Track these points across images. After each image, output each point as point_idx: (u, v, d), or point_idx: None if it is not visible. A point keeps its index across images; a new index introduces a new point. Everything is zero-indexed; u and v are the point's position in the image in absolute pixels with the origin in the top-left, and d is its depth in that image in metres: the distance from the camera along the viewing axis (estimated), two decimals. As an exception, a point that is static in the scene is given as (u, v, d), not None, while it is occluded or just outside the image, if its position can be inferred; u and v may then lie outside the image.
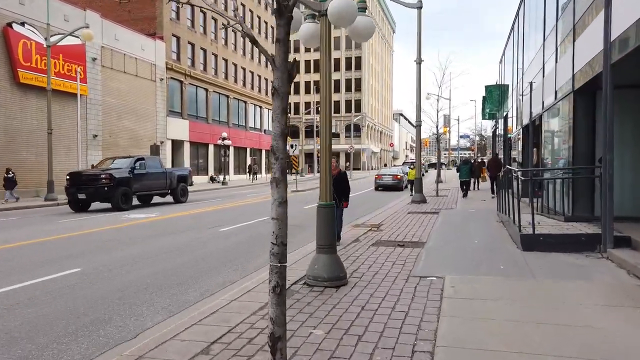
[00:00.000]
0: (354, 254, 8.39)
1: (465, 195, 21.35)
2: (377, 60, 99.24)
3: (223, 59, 46.24)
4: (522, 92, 17.89)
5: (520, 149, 19.25)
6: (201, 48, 42.22)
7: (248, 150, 50.26)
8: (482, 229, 10.88)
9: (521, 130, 18.47)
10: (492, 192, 21.51)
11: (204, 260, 8.78)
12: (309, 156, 76.70)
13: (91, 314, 5.63)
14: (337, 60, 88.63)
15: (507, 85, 26.73)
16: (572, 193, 9.95)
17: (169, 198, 22.07)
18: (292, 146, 29.08)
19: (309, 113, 76.54)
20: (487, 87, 31.02)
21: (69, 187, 17.82)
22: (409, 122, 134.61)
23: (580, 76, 9.46)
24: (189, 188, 23.50)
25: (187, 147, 39.74)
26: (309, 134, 78.11)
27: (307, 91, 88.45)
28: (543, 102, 13.41)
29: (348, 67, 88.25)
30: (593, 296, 5.33)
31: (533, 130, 15.75)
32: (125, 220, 15.16)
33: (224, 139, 39.45)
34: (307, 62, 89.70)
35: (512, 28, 21.38)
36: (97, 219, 15.67)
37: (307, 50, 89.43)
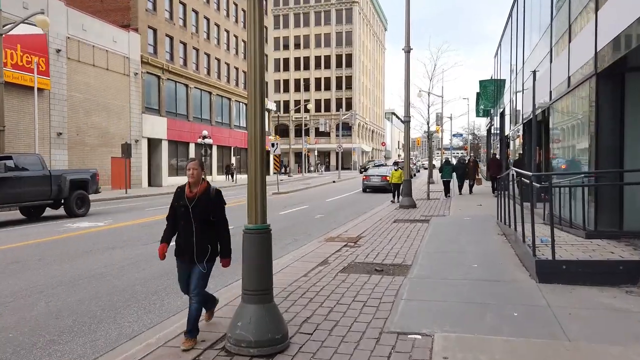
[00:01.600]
0: (313, 287, 6.32)
1: (447, 194, 21.40)
2: (368, 57, 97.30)
3: (205, 53, 44.00)
4: (523, 84, 15.92)
5: (519, 147, 17.30)
6: (181, 42, 39.96)
7: (232, 149, 48.04)
8: (481, 246, 8.86)
9: (521, 127, 16.51)
10: (494, 192, 20.42)
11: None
12: (298, 156, 74.55)
13: None
14: (328, 58, 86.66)
15: (504, 80, 24.85)
16: (596, 201, 7.95)
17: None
18: (273, 145, 26.95)
19: (298, 111, 74.47)
20: (481, 82, 29.14)
21: None
22: (402, 121, 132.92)
23: (607, 54, 7.46)
24: (156, 190, 21.31)
25: (165, 146, 37.48)
26: (298, 132, 75.95)
27: (297, 89, 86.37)
28: (551, 93, 11.43)
29: (338, 65, 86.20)
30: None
31: (536, 126, 13.77)
32: None
33: (204, 137, 37.28)
34: (297, 60, 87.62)
35: (510, 14, 19.43)
36: None
37: (297, 47, 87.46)
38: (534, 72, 13.52)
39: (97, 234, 12.18)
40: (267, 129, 59.28)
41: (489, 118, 33.37)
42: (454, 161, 27.86)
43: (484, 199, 19.06)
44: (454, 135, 60.88)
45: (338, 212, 17.23)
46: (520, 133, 16.72)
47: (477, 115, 34.56)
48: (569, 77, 9.69)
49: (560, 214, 9.50)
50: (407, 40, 16.84)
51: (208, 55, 44.49)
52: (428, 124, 20.97)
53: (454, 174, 22.19)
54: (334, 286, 6.27)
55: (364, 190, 27.95)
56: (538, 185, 8.85)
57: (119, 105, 32.23)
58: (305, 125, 74.38)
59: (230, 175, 43.23)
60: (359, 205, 19.62)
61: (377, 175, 27.71)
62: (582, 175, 8.92)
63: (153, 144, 36.78)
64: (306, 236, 11.47)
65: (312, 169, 76.79)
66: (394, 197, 19.52)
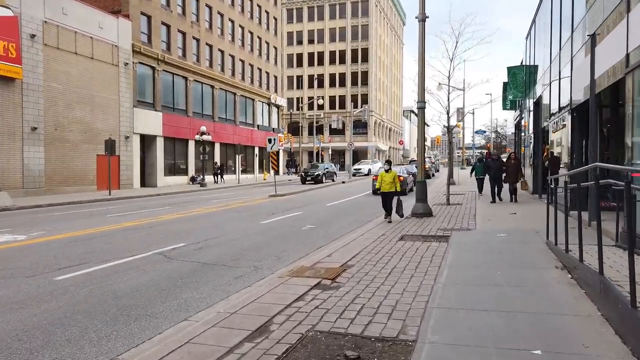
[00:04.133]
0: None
1: (480, 192, 19.62)
2: (385, 53, 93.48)
3: (207, 44, 41.04)
4: (572, 58, 12.33)
5: (565, 141, 13.66)
6: (179, 30, 37.04)
7: (237, 147, 45.01)
8: (536, 296, 5.39)
9: (568, 115, 12.91)
10: (514, 200, 16.89)
11: None
12: (312, 155, 70.97)
13: None
14: (343, 52, 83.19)
15: (537, 67, 21.16)
16: None
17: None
18: (269, 141, 23.74)
19: (310, 107, 71.23)
20: (510, 69, 25.38)
21: None
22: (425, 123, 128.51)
23: None
24: (147, 190, 18.23)
25: (160, 143, 34.59)
26: (313, 130, 72.59)
27: (311, 85, 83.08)
28: (628, 57, 7.88)
29: (354, 60, 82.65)
30: None
31: (595, 110, 10.19)
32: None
33: (202, 133, 34.28)
34: (311, 55, 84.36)
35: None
36: None
37: (311, 41, 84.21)
38: (593, 35, 9.95)
39: (-1, 254, 9.07)
40: (278, 127, 56.18)
41: (517, 111, 29.55)
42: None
43: (518, 206, 15.46)
44: (476, 132, 56.79)
45: (335, 220, 13.89)
46: (568, 122, 13.10)
47: (504, 108, 30.74)
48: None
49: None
50: (421, 6, 13.38)
51: (210, 47, 41.52)
52: (448, 114, 17.40)
53: (487, 175, 18.45)
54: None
55: (374, 193, 24.45)
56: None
57: (107, 98, 29.40)
58: (317, 122, 71.09)
59: (218, 176, 39.39)
60: (363, 212, 16.24)
61: (389, 176, 24.19)
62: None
63: (147, 141, 33.94)
64: (274, 261, 8.17)
65: (325, 168, 73.25)
66: (387, 214, 12.62)
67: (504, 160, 18.68)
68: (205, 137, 34.27)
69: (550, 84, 16.05)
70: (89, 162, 28.07)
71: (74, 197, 23.32)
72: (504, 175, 17.22)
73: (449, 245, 8.53)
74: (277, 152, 26.10)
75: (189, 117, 38.00)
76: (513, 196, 16.97)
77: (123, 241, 10.25)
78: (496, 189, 17.00)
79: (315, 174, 35.70)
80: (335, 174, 39.98)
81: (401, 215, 12.78)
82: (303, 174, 36.32)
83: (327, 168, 37.94)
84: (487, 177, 18.73)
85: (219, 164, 40.47)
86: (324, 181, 35.26)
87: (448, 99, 17.16)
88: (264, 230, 11.87)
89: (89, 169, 28.09)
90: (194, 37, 39.01)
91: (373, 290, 5.70)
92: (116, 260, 8.20)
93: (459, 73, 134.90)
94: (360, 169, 48.84)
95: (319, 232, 11.49)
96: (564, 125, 13.70)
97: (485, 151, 53.31)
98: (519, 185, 17.17)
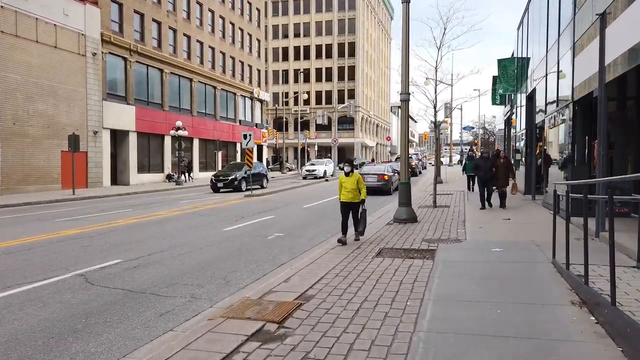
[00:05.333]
0: None
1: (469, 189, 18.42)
2: (373, 47, 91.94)
3: (185, 35, 39.11)
4: (574, 44, 10.90)
5: (565, 138, 12.24)
6: (154, 20, 35.08)
7: (217, 143, 43.19)
8: (552, 356, 3.93)
9: (569, 109, 11.50)
10: (503, 205, 14.44)
11: None
12: (301, 151, 69.02)
13: None
14: (329, 46, 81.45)
15: (529, 59, 19.83)
16: None
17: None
18: (245, 136, 22.08)
19: (296, 102, 69.54)
20: (500, 62, 23.97)
21: None
22: (410, 117, 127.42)
23: None
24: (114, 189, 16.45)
25: (133, 139, 32.70)
26: (300, 126, 70.79)
27: (297, 80, 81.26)
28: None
29: (341, 54, 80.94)
30: None
31: (605, 101, 8.77)
32: None
33: (178, 128, 32.45)
34: (297, 49, 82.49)
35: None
36: None
37: (297, 35, 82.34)
38: (603, 15, 8.51)
39: None
40: (261, 122, 54.42)
41: (508, 106, 28.25)
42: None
43: (510, 211, 14.05)
44: (464, 128, 55.67)
45: (308, 227, 12.35)
46: (568, 117, 11.68)
47: (494, 103, 29.45)
48: None
49: None
50: (405, -15, 11.84)
51: (188, 38, 39.60)
52: (435, 108, 15.90)
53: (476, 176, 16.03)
54: None
55: (357, 192, 22.99)
56: None
57: (72, 90, 27.46)
58: (303, 118, 69.46)
59: (185, 174, 35.17)
60: (337, 217, 14.68)
61: (373, 174, 22.76)
62: None
63: (119, 136, 32.05)
64: (219, 287, 6.60)
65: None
66: (343, 231, 9.25)
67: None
68: (181, 133, 32.44)
69: (546, 75, 14.64)
70: (52, 158, 26.17)
71: (33, 197, 21.48)
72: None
73: (434, 265, 7.02)
74: (256, 148, 24.38)
75: (165, 111, 36.12)
76: (502, 202, 14.54)
77: (46, 257, 8.59)
78: (486, 192, 14.58)
79: (230, 178, 24.98)
80: (266, 177, 28.28)
81: (360, 234, 9.38)
82: (213, 178, 25.75)
83: (254, 170, 24.67)
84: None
85: (186, 161, 36.11)
86: (243, 188, 24.73)
87: (435, 92, 15.66)
88: (223, 240, 10.29)
89: (52, 166, 26.19)
90: (170, 27, 37.07)
91: (331, 343, 4.17)
92: (19, 287, 6.56)
93: (447, 64, 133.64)
94: (313, 171, 37.98)
95: (285, 244, 9.93)
96: (563, 121, 12.29)
97: (469, 147, 52.13)
98: (508, 189, 14.65)
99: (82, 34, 28.06)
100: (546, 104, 14.81)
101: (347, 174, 9.26)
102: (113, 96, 30.98)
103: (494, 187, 14.78)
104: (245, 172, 25.02)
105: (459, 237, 9.67)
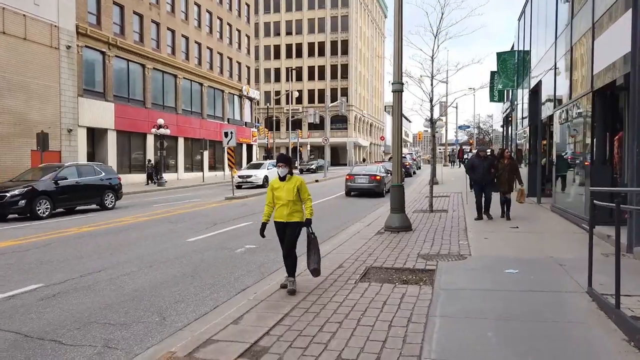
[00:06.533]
0: None
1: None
2: (366, 45, 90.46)
3: (169, 29, 37.38)
4: (593, 23, 9.36)
5: (581, 135, 10.69)
6: (135, 12, 33.32)
7: (203, 142, 41.52)
8: None
9: (588, 99, 9.96)
10: (506, 216, 11.83)
11: None
12: (293, 151, 67.20)
13: None
14: (322, 44, 79.88)
15: (531, 51, 18.38)
16: None
17: None
18: (226, 135, 20.44)
19: (288, 101, 67.82)
20: (499, 55, 22.46)
21: None
22: (404, 116, 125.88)
23: None
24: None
25: (112, 137, 30.94)
26: (293, 125, 69.08)
27: (289, 78, 79.60)
28: None
29: (334, 52, 79.40)
30: None
31: (637, 90, 7.22)
32: None
33: (160, 126, 30.76)
34: (289, 46, 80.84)
35: None
36: None
37: (289, 33, 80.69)
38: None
39: None
40: (251, 120, 52.74)
41: (507, 102, 26.77)
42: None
43: (516, 218, 12.49)
44: (459, 127, 54.31)
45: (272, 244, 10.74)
46: (583, 110, 10.13)
47: (492, 100, 27.92)
48: None
49: None
50: (398, -42, 10.26)
51: (172, 32, 37.87)
52: (431, 102, 14.33)
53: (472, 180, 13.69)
54: None
55: (347, 194, 21.47)
56: None
57: (45, 86, 25.70)
58: (294, 117, 67.82)
59: (154, 176, 31.44)
60: (327, 222, 13.10)
61: (364, 175, 21.20)
62: None
63: (97, 135, 30.30)
64: (150, 328, 4.96)
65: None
66: (288, 269, 5.97)
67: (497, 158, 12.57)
68: (163, 131, 30.75)
69: (555, 65, 13.11)
70: (22, 158, 24.41)
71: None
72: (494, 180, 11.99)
73: (434, 295, 5.43)
74: (245, 148, 22.75)
75: (148, 108, 34.38)
76: (505, 212, 11.89)
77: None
78: (483, 200, 11.78)
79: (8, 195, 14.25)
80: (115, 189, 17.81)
81: (315, 272, 5.90)
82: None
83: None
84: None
85: (152, 162, 32.57)
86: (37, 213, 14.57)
87: (431, 84, 14.09)
88: (181, 255, 8.66)
89: (22, 166, 24.36)
90: (153, 21, 35.32)
91: None
92: None
93: (443, 54, 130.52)
94: (249, 177, 27.19)
95: (255, 260, 8.33)
96: (579, 114, 10.75)
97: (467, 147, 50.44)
98: (514, 196, 12.25)
99: (55, 26, 26.29)
100: (555, 98, 13.28)
101: (282, 178, 6.00)
102: (90, 92, 29.23)
103: (493, 193, 11.97)
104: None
105: (461, 251, 8.09)
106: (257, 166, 29.36)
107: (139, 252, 8.92)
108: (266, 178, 26.59)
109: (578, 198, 11.00)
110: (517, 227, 10.49)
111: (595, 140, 9.66)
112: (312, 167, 51.84)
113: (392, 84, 10.46)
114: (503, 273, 6.36)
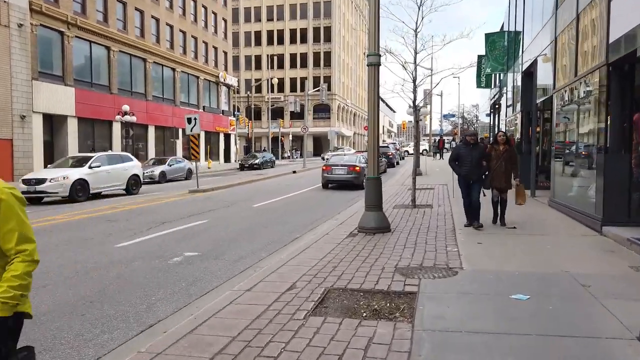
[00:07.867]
0: None
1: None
2: (349, 33, 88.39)
3: (137, 9, 34.93)
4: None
5: (592, 118, 9.05)
6: (98, -10, 30.89)
7: (174, 131, 39.29)
8: None
9: (602, 72, 8.30)
10: (498, 221, 9.12)
11: None
12: (275, 141, 64.79)
13: None
14: (304, 31, 77.61)
15: (523, 32, 16.78)
16: None
17: None
18: (189, 121, 18.49)
19: (270, 89, 65.59)
20: (488, 36, 20.81)
21: None
22: (387, 105, 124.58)
23: None
24: None
25: (73, 125, 28.62)
26: (274, 114, 66.83)
27: (271, 66, 77.19)
28: None
29: (316, 39, 77.19)
30: None
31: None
32: None
33: (125, 113, 28.56)
34: (270, 33, 78.37)
35: None
36: None
37: (270, 19, 78.16)
38: None
39: None
40: (229, 109, 50.54)
41: (496, 89, 25.21)
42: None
43: (512, 215, 10.85)
44: (444, 116, 52.83)
45: (245, 237, 8.97)
46: (595, 89, 8.48)
47: (479, 86, 26.37)
48: None
49: None
50: None
51: (141, 12, 35.42)
52: (414, 82, 12.58)
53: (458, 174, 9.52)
54: None
55: (325, 186, 19.73)
56: None
57: (-8, 67, 23.33)
58: (274, 105, 65.74)
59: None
60: (296, 219, 11.32)
61: (342, 166, 19.47)
62: None
63: (55, 122, 27.98)
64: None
65: (286, 154, 68.26)
66: None
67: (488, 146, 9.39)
68: (128, 118, 28.56)
69: (555, 39, 11.44)
70: (-34, 147, 22.13)
71: None
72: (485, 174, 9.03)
73: (414, 344, 3.68)
74: (223, 137, 20.75)
75: (114, 94, 32.03)
76: (499, 215, 9.13)
77: None
78: (471, 199, 8.82)
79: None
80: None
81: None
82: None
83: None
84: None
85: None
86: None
87: (415, 61, 12.34)
88: (98, 268, 6.82)
89: (-33, 156, 22.16)
90: (118, 0, 32.87)
91: None
92: None
93: (428, 27, 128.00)
94: (42, 182, 15.32)
95: (190, 273, 6.52)
96: (588, 93, 9.10)
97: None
98: (511, 194, 9.26)
99: (5, 1, 23.85)
100: (555, 77, 11.63)
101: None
102: (47, 75, 26.85)
103: (485, 191, 9.02)
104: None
105: (450, 261, 6.38)
106: (81, 161, 17.07)
107: (47, 264, 7.04)
108: (82, 184, 15.87)
109: (584, 192, 9.40)
110: (515, 228, 8.83)
111: (610, 123, 8.02)
112: (255, 162, 35.69)
113: (367, 55, 8.70)
114: (509, 300, 4.65)
